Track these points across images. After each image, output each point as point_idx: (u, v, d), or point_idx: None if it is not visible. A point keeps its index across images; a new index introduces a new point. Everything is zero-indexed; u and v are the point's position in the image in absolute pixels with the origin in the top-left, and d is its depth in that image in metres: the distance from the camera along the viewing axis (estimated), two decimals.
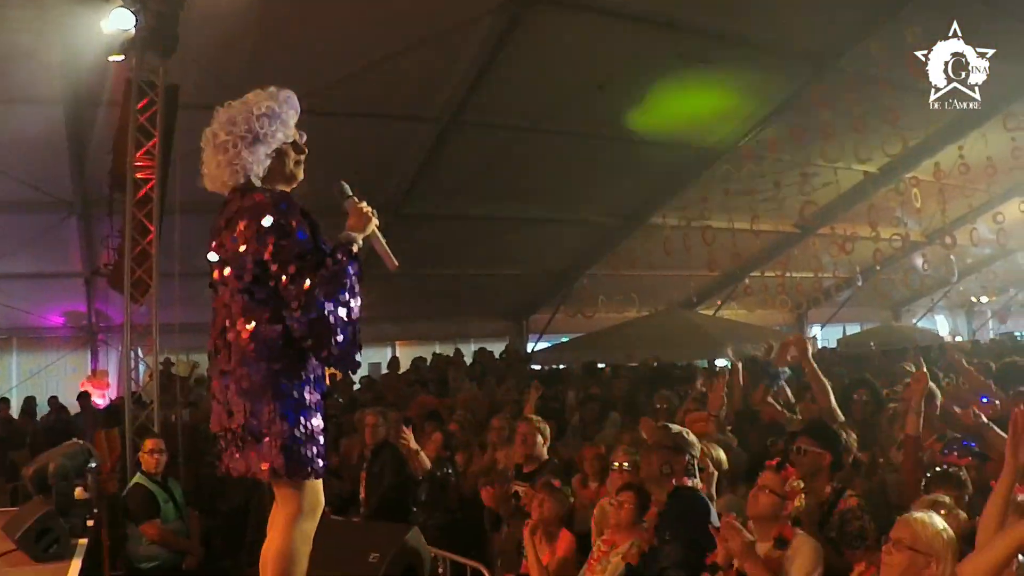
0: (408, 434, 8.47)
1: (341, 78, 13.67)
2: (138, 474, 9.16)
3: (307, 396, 4.11)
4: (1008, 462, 4.42)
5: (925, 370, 6.78)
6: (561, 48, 14.85)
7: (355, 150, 15.02)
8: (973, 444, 6.10)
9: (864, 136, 16.13)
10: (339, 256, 4.08)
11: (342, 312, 4.02)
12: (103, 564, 8.80)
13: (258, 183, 4.24)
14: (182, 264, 11.72)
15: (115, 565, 9.26)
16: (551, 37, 14.58)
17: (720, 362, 17.15)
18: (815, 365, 8.00)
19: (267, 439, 4.01)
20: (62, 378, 19.88)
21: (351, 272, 4.09)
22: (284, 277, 3.98)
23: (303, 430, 4.06)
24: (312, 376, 4.17)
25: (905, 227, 22.40)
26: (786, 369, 8.98)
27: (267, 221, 4.04)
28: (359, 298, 4.13)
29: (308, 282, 3.95)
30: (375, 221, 4.29)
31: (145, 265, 11.42)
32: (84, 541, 6.50)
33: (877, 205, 20.71)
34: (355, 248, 4.17)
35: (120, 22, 10.85)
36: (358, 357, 4.18)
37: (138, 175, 11.37)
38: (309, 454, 4.07)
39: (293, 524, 4.17)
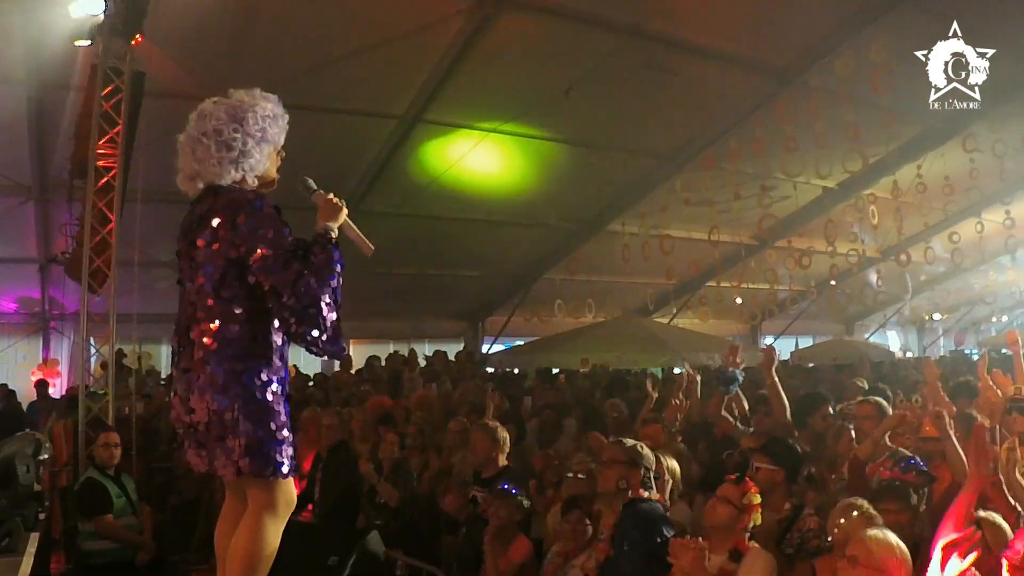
0: None
1: (305, 71, 13.61)
2: (91, 468, 9.07)
3: (272, 396, 4.07)
4: (972, 474, 4.49)
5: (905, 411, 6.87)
6: (528, 52, 14.90)
7: (318, 145, 14.95)
8: (918, 462, 6.17)
9: (825, 152, 16.25)
10: (324, 244, 4.08)
11: (330, 299, 4.02)
12: (54, 558, 8.76)
13: (254, 183, 4.25)
14: (141, 253, 11.64)
15: (67, 559, 9.23)
16: (519, 41, 14.61)
17: (677, 370, 17.22)
18: (776, 379, 8.04)
19: (232, 439, 3.96)
20: (12, 365, 19.68)
21: (336, 259, 4.08)
22: (272, 269, 3.94)
23: (269, 430, 4.02)
24: (276, 376, 4.13)
25: (862, 243, 22.60)
26: (740, 374, 8.98)
27: (246, 217, 4.02)
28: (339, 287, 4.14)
29: (299, 271, 3.93)
30: (345, 210, 4.29)
31: (104, 255, 11.32)
32: (36, 535, 6.42)
33: (835, 220, 20.90)
34: (334, 236, 4.18)
35: (88, 7, 10.77)
36: (343, 343, 4.18)
37: (100, 163, 11.29)
38: (275, 454, 4.02)
39: (261, 523, 4.13)
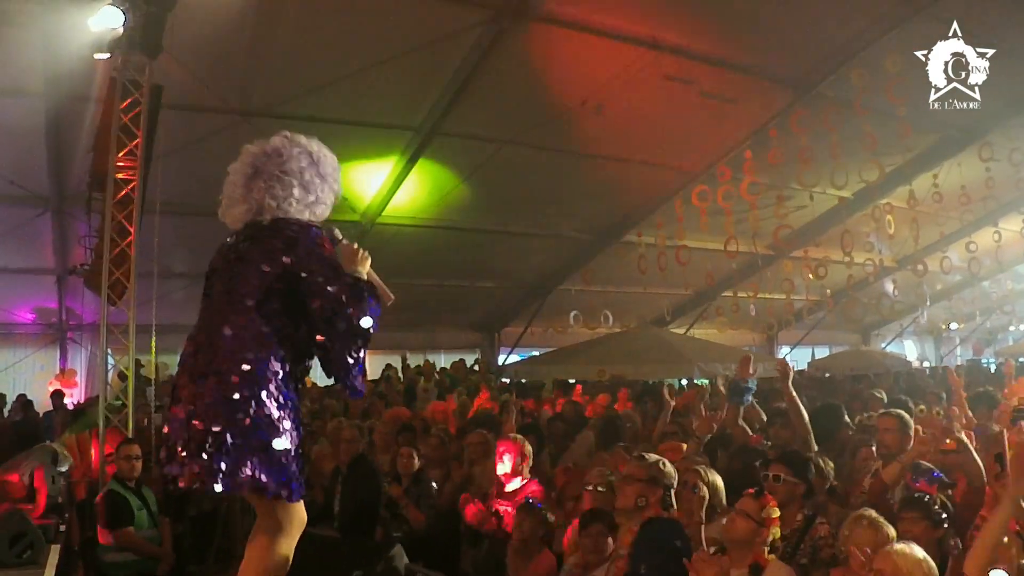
0: None
1: (322, 84, 13.66)
2: (112, 480, 9.09)
3: (287, 416, 4.03)
4: (1009, 491, 4.38)
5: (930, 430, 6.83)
6: (545, 64, 14.92)
7: (335, 156, 14.99)
8: (942, 476, 6.14)
9: (841, 162, 16.22)
10: (359, 281, 4.08)
11: (366, 338, 4.03)
12: (73, 570, 8.76)
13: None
14: (160, 265, 11.68)
15: (85, 571, 9.23)
16: (535, 53, 14.64)
17: (698, 381, 17.21)
18: (794, 392, 8.00)
19: (244, 456, 3.89)
20: (30, 375, 19.75)
21: (377, 299, 4.09)
22: (332, 297, 3.96)
23: (282, 449, 3.97)
24: (291, 398, 4.09)
25: (878, 253, 22.54)
26: (752, 385, 8.95)
27: (307, 246, 4.05)
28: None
29: (355, 304, 3.96)
30: (369, 260, 4.27)
31: (123, 267, 11.34)
32: (57, 547, 6.44)
33: (850, 230, 20.84)
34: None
35: (108, 20, 10.79)
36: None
37: (119, 175, 11.30)
38: (286, 474, 3.98)
39: (271, 543, 4.12)
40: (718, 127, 18.08)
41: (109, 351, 12.00)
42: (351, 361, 4.03)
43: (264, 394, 3.95)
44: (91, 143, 12.79)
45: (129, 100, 11.19)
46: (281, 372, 4.03)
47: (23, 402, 17.51)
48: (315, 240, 4.07)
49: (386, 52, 13.71)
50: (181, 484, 3.97)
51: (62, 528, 7.00)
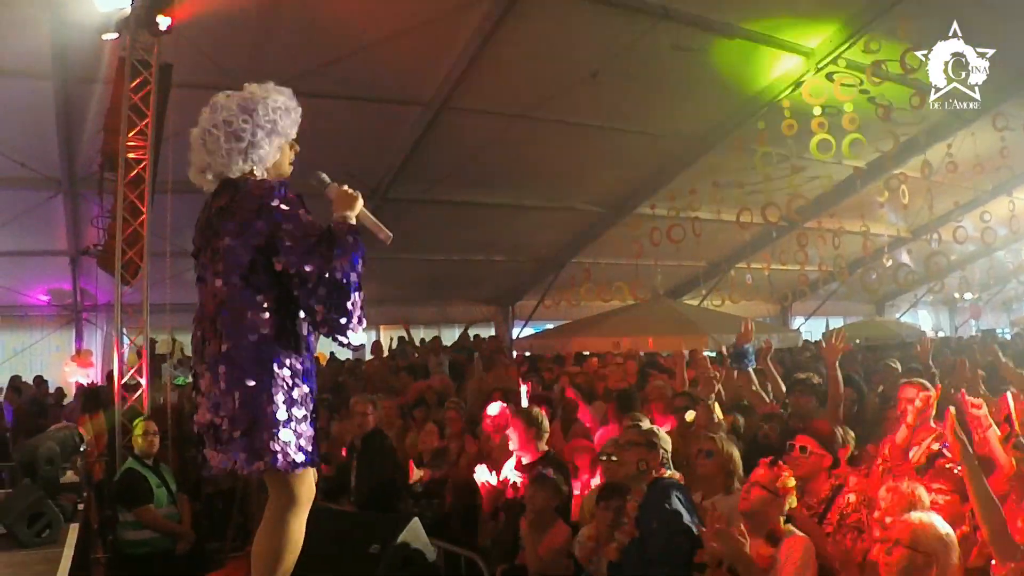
0: None
1: (333, 60, 13.62)
2: (130, 458, 9.11)
3: (295, 388, 4.06)
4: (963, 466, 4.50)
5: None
6: (554, 36, 14.82)
7: (345, 133, 14.99)
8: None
9: (855, 131, 16.12)
10: (345, 233, 4.03)
11: (356, 286, 4.00)
12: (92, 549, 8.80)
13: (263, 175, 4.21)
14: (172, 244, 11.69)
15: (104, 549, 9.28)
16: (545, 24, 14.55)
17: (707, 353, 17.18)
18: (838, 372, 7.91)
19: (257, 431, 3.94)
20: (46, 357, 19.84)
21: (359, 247, 4.04)
22: (299, 257, 3.93)
23: (293, 421, 4.01)
24: (302, 367, 4.11)
25: (893, 223, 22.49)
26: (751, 349, 8.96)
27: (270, 206, 4.00)
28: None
29: (325, 258, 3.92)
30: (360, 199, 4.22)
31: (136, 246, 11.38)
32: (76, 526, 6.45)
33: (865, 201, 20.78)
34: (353, 224, 4.13)
35: (115, 0, 10.77)
36: (362, 332, 4.17)
37: (130, 155, 11.33)
38: (299, 445, 4.02)
39: (285, 516, 4.14)
40: (730, 99, 18.00)
41: (124, 330, 12.03)
42: (338, 317, 3.99)
43: (275, 369, 3.99)
44: (101, 124, 12.78)
45: (138, 80, 11.21)
46: (290, 338, 4.06)
47: (39, 384, 17.65)
48: (279, 204, 4.02)
49: (395, 26, 13.64)
50: (214, 470, 4.09)
51: (80, 507, 7.00)
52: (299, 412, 4.04)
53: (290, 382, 4.02)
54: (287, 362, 4.03)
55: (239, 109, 4.15)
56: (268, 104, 4.18)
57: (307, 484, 4.19)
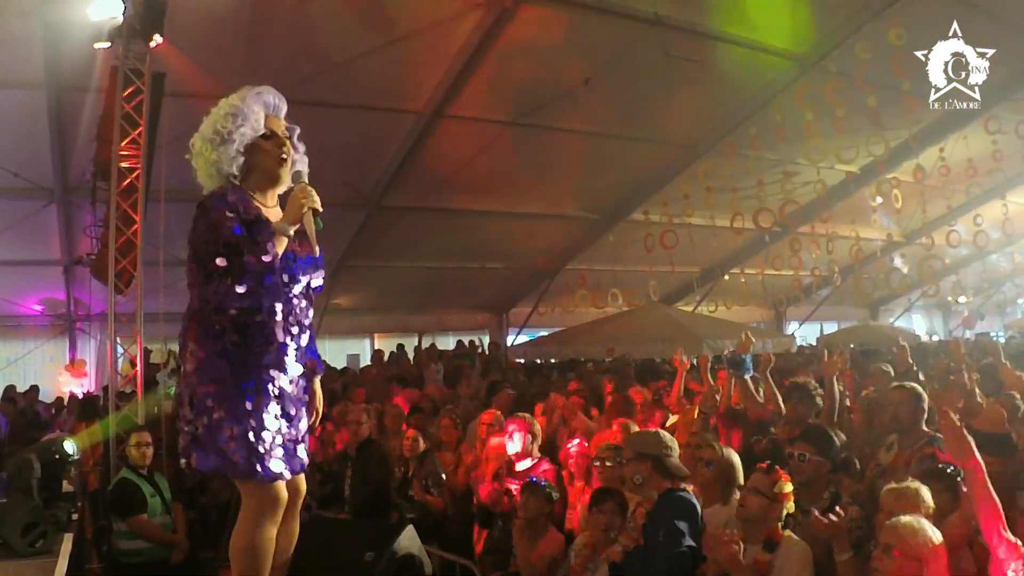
0: None
1: (327, 68, 13.63)
2: (124, 468, 9.09)
3: (264, 396, 4.11)
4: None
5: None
6: (546, 44, 14.85)
7: (339, 141, 15.00)
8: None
9: (847, 137, 16.17)
10: (262, 253, 4.05)
11: (247, 307, 4.07)
12: (87, 559, 8.77)
13: (235, 183, 4.28)
14: (166, 253, 11.67)
15: (99, 559, 9.24)
16: (538, 33, 14.57)
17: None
18: (836, 385, 7.92)
19: (223, 441, 4.02)
20: (40, 367, 19.79)
21: (265, 272, 4.08)
22: (205, 270, 4.03)
23: (256, 430, 4.06)
24: (272, 374, 4.16)
25: (886, 228, 22.52)
26: (748, 359, 8.98)
27: (201, 217, 4.08)
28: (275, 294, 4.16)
29: (225, 277, 4.01)
30: (310, 206, 4.20)
31: (130, 255, 11.35)
32: (70, 536, 6.43)
33: (857, 205, 20.80)
34: (278, 245, 4.12)
35: (107, 9, 10.78)
36: (283, 359, 4.22)
37: (123, 164, 11.30)
38: (260, 456, 4.06)
39: (251, 522, 4.20)
40: (722, 103, 18.04)
41: (118, 340, 12.01)
42: (269, 347, 4.14)
43: (238, 375, 4.07)
44: (94, 133, 12.76)
45: (131, 89, 11.18)
46: (260, 344, 4.15)
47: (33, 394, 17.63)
48: (210, 218, 4.06)
49: (388, 35, 13.67)
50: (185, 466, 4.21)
51: (75, 517, 6.99)
52: (261, 421, 4.10)
53: (253, 392, 4.09)
54: (245, 370, 4.11)
55: (201, 128, 4.28)
56: (218, 114, 4.27)
57: (272, 493, 4.21)
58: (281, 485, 4.22)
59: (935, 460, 5.79)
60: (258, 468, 4.06)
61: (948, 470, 5.39)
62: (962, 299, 30.92)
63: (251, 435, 4.05)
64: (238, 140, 4.24)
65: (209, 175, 4.25)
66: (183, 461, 4.21)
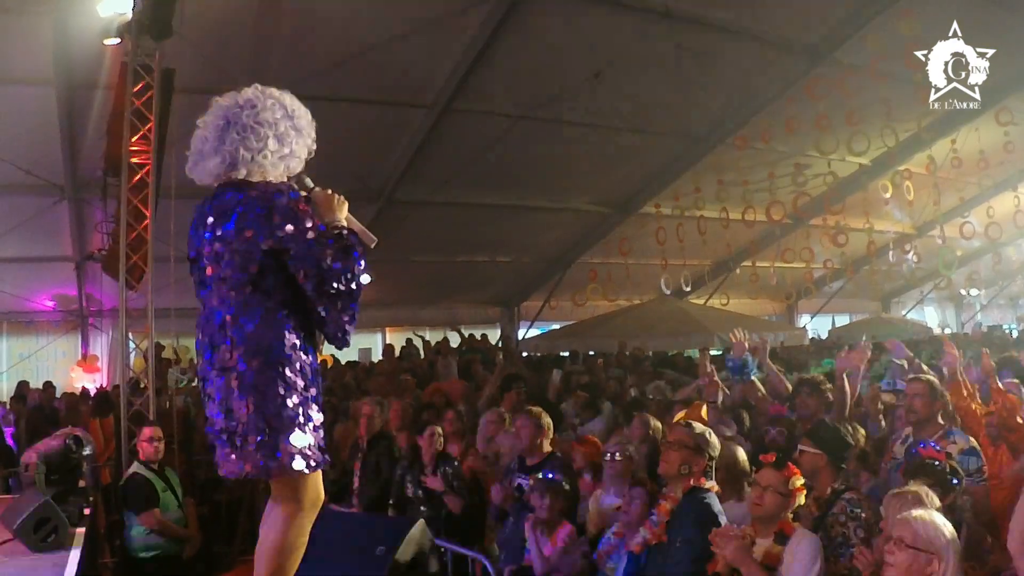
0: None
1: (336, 63, 13.62)
2: (135, 463, 9.10)
3: (309, 389, 4.02)
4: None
5: None
6: (557, 36, 14.84)
7: (350, 136, 14.97)
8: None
9: (858, 128, 16.10)
10: (344, 234, 3.99)
11: (357, 289, 3.97)
12: (100, 553, 8.80)
13: (262, 178, 4.06)
14: (176, 248, 11.69)
15: (112, 554, 9.27)
16: (548, 24, 14.56)
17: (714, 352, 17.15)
18: (846, 382, 7.87)
19: (268, 435, 3.88)
20: (53, 362, 19.87)
21: (361, 248, 4.02)
22: (310, 260, 3.88)
23: (304, 423, 3.95)
24: (311, 368, 4.06)
25: (898, 220, 22.46)
26: (749, 359, 8.95)
27: (279, 208, 3.91)
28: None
29: (329, 259, 3.87)
30: (346, 204, 4.15)
31: (140, 251, 11.35)
32: (82, 530, 6.46)
33: (869, 197, 20.73)
34: (346, 226, 4.08)
35: (116, 5, 10.80)
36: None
37: (134, 160, 11.29)
38: (310, 447, 3.96)
39: (291, 519, 4.08)
40: (734, 96, 18.00)
41: (129, 335, 12.03)
42: (346, 320, 4.00)
43: (287, 373, 3.93)
44: (104, 129, 12.78)
45: (141, 84, 11.17)
46: (297, 342, 4.00)
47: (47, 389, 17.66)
48: (291, 207, 3.93)
49: (398, 28, 13.66)
50: (241, 475, 3.99)
51: (87, 512, 7.01)
52: (314, 414, 4.02)
53: (302, 384, 3.98)
54: (298, 365, 3.98)
55: (283, 114, 4.09)
56: (304, 116, 4.15)
57: (314, 487, 4.13)
58: (320, 477, 4.15)
59: (920, 457, 5.73)
60: (312, 460, 3.98)
61: (936, 465, 5.39)
62: (974, 291, 30.84)
63: (312, 425, 4.00)
64: (306, 152, 4.19)
65: (279, 159, 4.06)
66: (221, 464, 4.03)
